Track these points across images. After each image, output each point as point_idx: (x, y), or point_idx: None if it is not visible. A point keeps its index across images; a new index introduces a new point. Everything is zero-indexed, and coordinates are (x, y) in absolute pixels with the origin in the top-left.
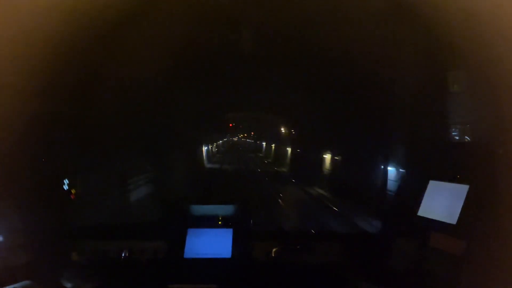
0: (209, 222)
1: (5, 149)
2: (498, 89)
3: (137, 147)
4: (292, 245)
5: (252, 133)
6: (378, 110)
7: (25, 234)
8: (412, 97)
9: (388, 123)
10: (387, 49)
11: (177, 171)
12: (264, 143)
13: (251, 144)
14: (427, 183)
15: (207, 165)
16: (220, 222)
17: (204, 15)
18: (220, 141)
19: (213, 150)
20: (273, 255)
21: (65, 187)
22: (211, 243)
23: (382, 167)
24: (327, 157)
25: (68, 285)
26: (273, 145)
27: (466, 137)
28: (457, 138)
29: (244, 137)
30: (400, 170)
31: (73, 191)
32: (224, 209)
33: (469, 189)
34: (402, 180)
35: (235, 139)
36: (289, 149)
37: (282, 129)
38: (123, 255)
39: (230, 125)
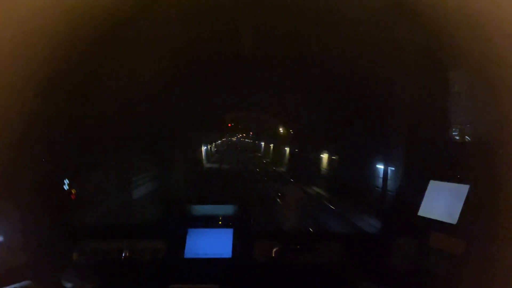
0: (210, 222)
1: (5, 149)
2: (498, 89)
3: (137, 147)
4: (293, 245)
5: (251, 133)
6: (378, 110)
7: (25, 234)
8: (412, 97)
9: (388, 123)
10: (387, 49)
11: (177, 171)
12: (262, 143)
13: (249, 144)
14: (427, 183)
15: (206, 165)
16: (220, 222)
17: (203, 16)
18: (219, 141)
19: (212, 150)
20: (273, 255)
21: (66, 187)
22: (211, 243)
23: (380, 166)
24: (325, 157)
25: (69, 285)
26: (271, 145)
27: (466, 137)
28: (457, 138)
29: (243, 137)
30: (400, 170)
31: (73, 191)
32: (224, 209)
33: (470, 189)
34: (402, 180)
35: (234, 139)
36: (287, 149)
37: (281, 129)
38: (123, 255)
39: (229, 125)
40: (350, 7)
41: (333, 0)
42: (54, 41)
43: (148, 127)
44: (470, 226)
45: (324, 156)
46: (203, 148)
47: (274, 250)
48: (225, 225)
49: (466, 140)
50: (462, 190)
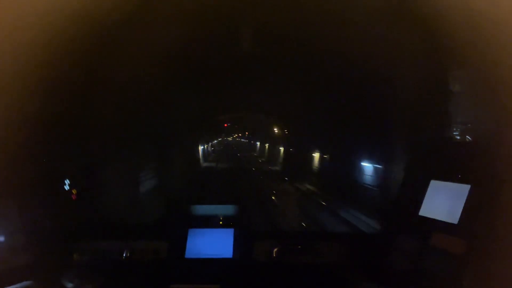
0: (210, 222)
1: (6, 149)
2: (499, 89)
3: (136, 147)
4: (293, 245)
5: (247, 133)
6: (376, 110)
7: (26, 234)
8: (411, 97)
9: (385, 123)
10: (386, 50)
11: (175, 170)
12: (258, 143)
13: (245, 144)
14: (424, 182)
15: (203, 164)
16: (221, 222)
17: (200, 17)
18: (215, 141)
19: (209, 149)
20: (274, 255)
21: (66, 187)
22: (212, 243)
23: (372, 165)
24: (319, 156)
25: (69, 285)
26: (267, 145)
27: (467, 136)
28: (458, 137)
29: (239, 137)
30: (395, 169)
31: (74, 191)
32: (224, 209)
33: (470, 188)
34: (403, 180)
35: (230, 139)
36: (282, 149)
37: (276, 129)
38: (124, 255)
39: (225, 125)
40: (349, 7)
41: (332, 0)
42: (54, 41)
43: (147, 127)
44: (471, 226)
45: (317, 155)
46: (200, 148)
47: (275, 250)
48: (226, 225)
49: (467, 139)
50: (463, 189)
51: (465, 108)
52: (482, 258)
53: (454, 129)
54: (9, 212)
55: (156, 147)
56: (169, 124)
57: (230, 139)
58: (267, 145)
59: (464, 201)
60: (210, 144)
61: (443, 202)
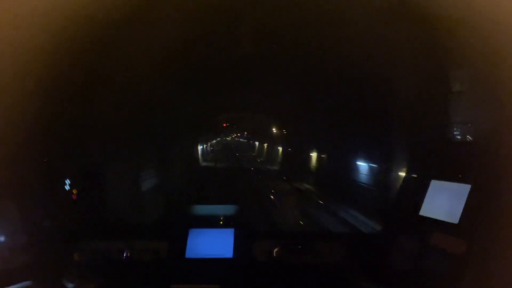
0: (211, 222)
1: (6, 149)
2: (499, 89)
3: (137, 147)
4: (294, 245)
5: (245, 133)
6: (377, 110)
7: (27, 234)
8: (412, 96)
9: (387, 123)
10: (386, 49)
11: (175, 170)
12: (256, 143)
13: (244, 144)
14: (428, 182)
15: (202, 164)
16: (221, 222)
17: (199, 17)
18: (214, 141)
19: (208, 149)
20: (274, 255)
21: (66, 187)
22: (212, 243)
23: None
24: (317, 156)
25: (70, 285)
26: (265, 145)
27: (467, 136)
28: (458, 137)
29: (237, 136)
30: (398, 169)
31: (74, 191)
32: (224, 209)
33: (471, 188)
34: (403, 180)
35: (229, 138)
36: (280, 149)
37: (274, 129)
38: (124, 255)
39: (224, 125)
40: (348, 7)
41: (332, 0)
42: (54, 41)
43: (147, 127)
44: (471, 226)
45: (316, 155)
46: (199, 148)
47: (275, 250)
48: (226, 225)
49: (468, 139)
50: (463, 189)
51: (465, 108)
52: (482, 258)
53: (454, 129)
54: (9, 212)
55: (156, 147)
56: (169, 124)
57: (228, 139)
58: (265, 145)
59: (464, 201)
60: (209, 144)
61: (443, 202)
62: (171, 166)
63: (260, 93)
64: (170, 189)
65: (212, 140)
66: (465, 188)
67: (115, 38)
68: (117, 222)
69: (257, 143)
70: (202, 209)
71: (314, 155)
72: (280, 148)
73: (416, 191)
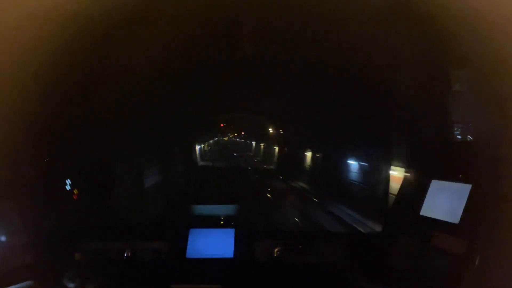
0: (211, 222)
1: (7, 150)
2: (499, 89)
3: (136, 147)
4: (294, 245)
5: (242, 133)
6: (377, 110)
7: (27, 234)
8: (412, 96)
9: (387, 123)
10: (386, 50)
11: (175, 170)
12: (253, 143)
13: (241, 144)
14: (428, 182)
15: (200, 163)
16: (222, 222)
17: (197, 18)
18: (211, 141)
19: (205, 149)
20: (275, 255)
21: (67, 187)
22: (213, 243)
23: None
24: (317, 156)
25: (70, 285)
26: (262, 145)
27: (468, 136)
28: (459, 137)
29: (234, 136)
30: (398, 169)
31: (75, 191)
32: (225, 209)
33: (472, 188)
34: (403, 180)
35: (226, 138)
36: (277, 148)
37: (271, 129)
38: (125, 255)
39: (221, 125)
40: (348, 7)
41: (331, 0)
42: (54, 42)
43: (147, 128)
44: (472, 226)
45: (314, 155)
46: (198, 148)
47: (276, 250)
48: (227, 225)
49: (469, 139)
50: (464, 189)
51: (465, 108)
52: (482, 258)
53: (454, 129)
54: (10, 212)
55: (155, 147)
56: (169, 124)
57: (226, 139)
58: (262, 145)
59: (465, 201)
60: (206, 144)
61: (444, 201)
62: (171, 166)
63: (257, 93)
64: (170, 189)
65: (210, 140)
66: (466, 188)
67: (114, 38)
68: (117, 222)
69: (254, 143)
70: (202, 209)
71: (309, 154)
72: (276, 148)
73: (416, 191)
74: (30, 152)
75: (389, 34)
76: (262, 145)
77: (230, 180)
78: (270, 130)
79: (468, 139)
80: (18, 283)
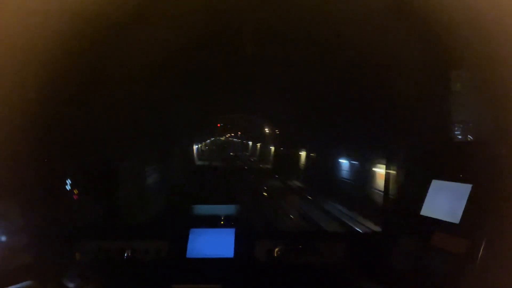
0: (211, 222)
1: (8, 150)
2: (499, 89)
3: (137, 148)
4: (295, 245)
5: (239, 133)
6: (377, 110)
7: (28, 234)
8: (411, 96)
9: (387, 123)
10: (386, 50)
11: (175, 170)
12: (250, 143)
13: (238, 144)
14: (428, 182)
15: (198, 163)
16: (222, 222)
17: (195, 19)
18: (209, 141)
19: (203, 149)
20: (275, 255)
21: (68, 187)
22: (213, 243)
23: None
24: (306, 155)
25: (71, 285)
26: (258, 144)
27: (469, 136)
28: (459, 137)
29: (231, 136)
30: (398, 169)
31: (75, 191)
32: (225, 209)
33: (472, 188)
34: (403, 180)
35: (223, 138)
36: (273, 148)
37: (267, 129)
38: (125, 255)
39: (218, 125)
40: (347, 7)
41: (331, 0)
42: (55, 43)
43: (147, 128)
44: (472, 226)
45: (311, 155)
46: (197, 148)
47: (276, 250)
48: (227, 225)
49: (469, 139)
50: (465, 189)
51: (465, 108)
52: (482, 258)
53: (455, 129)
54: (11, 212)
55: (155, 148)
56: (168, 125)
57: (222, 139)
58: (258, 144)
59: (465, 200)
60: (204, 143)
61: (444, 201)
62: (171, 166)
63: (253, 94)
64: (170, 188)
65: (207, 140)
66: (466, 188)
67: (114, 38)
68: (117, 222)
69: (250, 143)
70: (202, 209)
71: (305, 154)
72: (272, 148)
73: (416, 190)
74: (30, 153)
75: (388, 34)
76: (258, 145)
77: (227, 179)
78: (266, 130)
79: (468, 139)
80: (18, 283)
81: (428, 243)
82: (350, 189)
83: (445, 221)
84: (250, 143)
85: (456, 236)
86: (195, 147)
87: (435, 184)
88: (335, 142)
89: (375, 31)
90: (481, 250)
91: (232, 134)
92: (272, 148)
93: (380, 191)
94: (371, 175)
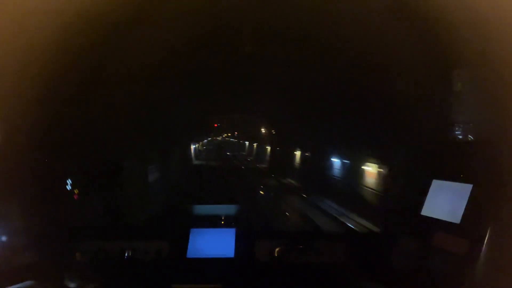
0: (212, 222)
1: (8, 151)
2: (499, 89)
3: (137, 148)
4: (295, 245)
5: (236, 133)
6: (377, 110)
7: (29, 234)
8: (412, 96)
9: (388, 123)
10: (386, 50)
11: (175, 170)
12: (246, 143)
13: (234, 143)
14: (429, 182)
15: (195, 162)
16: (222, 222)
17: (193, 19)
18: (205, 140)
19: (200, 149)
20: (276, 255)
21: (68, 187)
22: (213, 243)
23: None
24: (301, 154)
25: (71, 285)
26: (255, 144)
27: (469, 136)
28: (459, 137)
29: (228, 136)
30: (398, 169)
31: (76, 191)
32: (225, 209)
33: (473, 188)
34: (403, 180)
35: (219, 138)
36: (269, 148)
37: (263, 129)
38: (126, 255)
39: (215, 125)
40: (348, 7)
41: (331, 0)
42: (55, 43)
43: (147, 129)
44: (473, 225)
45: (308, 155)
46: (197, 148)
47: (277, 250)
48: (228, 224)
49: (470, 139)
50: (465, 189)
51: (466, 107)
52: (483, 257)
53: (456, 129)
54: (12, 212)
55: (155, 147)
56: (168, 125)
57: (219, 138)
58: (255, 144)
59: (466, 200)
60: (201, 143)
61: (445, 201)
62: (171, 166)
63: (250, 95)
64: (169, 188)
65: (204, 140)
66: (467, 188)
67: (114, 38)
68: (118, 222)
69: (247, 143)
70: (203, 209)
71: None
72: (268, 148)
73: (416, 190)
74: (31, 153)
75: (388, 34)
76: (255, 145)
77: (225, 179)
78: (263, 130)
79: (469, 139)
80: (19, 282)
81: (428, 243)
82: (350, 189)
83: (445, 221)
84: (247, 143)
85: (456, 236)
86: (192, 147)
87: (436, 184)
88: (334, 142)
89: (375, 31)
90: (481, 250)
91: (229, 134)
92: (269, 148)
93: (380, 191)
94: (371, 175)
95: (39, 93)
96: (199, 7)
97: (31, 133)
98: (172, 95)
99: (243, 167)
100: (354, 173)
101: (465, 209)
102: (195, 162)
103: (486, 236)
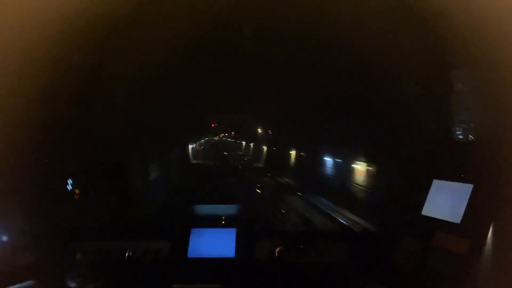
0: (212, 221)
1: (9, 151)
2: (500, 89)
3: (137, 148)
4: (296, 245)
5: (233, 133)
6: (378, 110)
7: (29, 234)
8: (412, 96)
9: (388, 122)
10: (387, 50)
11: (175, 170)
12: (243, 142)
13: (232, 143)
14: (429, 182)
15: (193, 162)
16: (223, 222)
17: (191, 19)
18: (203, 140)
19: (198, 148)
20: (276, 255)
21: (69, 187)
22: (214, 243)
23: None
24: (298, 154)
25: (72, 285)
26: (251, 144)
27: (470, 136)
28: (461, 137)
29: (225, 136)
30: (398, 169)
31: (76, 191)
32: (226, 209)
33: (473, 188)
34: (403, 180)
35: (217, 138)
36: (265, 148)
37: (260, 129)
38: (126, 255)
39: (212, 125)
40: (348, 7)
41: (331, 0)
42: (55, 43)
43: (147, 129)
44: (474, 225)
45: (295, 153)
46: (190, 147)
47: (277, 250)
48: (228, 224)
49: (470, 139)
50: (466, 189)
51: (466, 107)
52: (483, 258)
53: (456, 129)
54: (12, 212)
55: (155, 148)
56: (169, 124)
57: (216, 138)
58: (251, 144)
59: (467, 200)
60: (198, 143)
61: (445, 201)
62: (171, 166)
63: (247, 95)
64: (168, 187)
65: (201, 140)
66: (467, 188)
67: (114, 38)
68: (118, 222)
69: (243, 142)
70: (203, 209)
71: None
72: (265, 147)
73: (417, 190)
74: (31, 153)
75: (388, 34)
76: (251, 144)
77: (222, 178)
78: (259, 130)
79: (470, 139)
80: (19, 282)
81: (428, 243)
82: (350, 189)
83: (446, 221)
84: (244, 143)
85: (457, 236)
86: (190, 147)
87: (436, 184)
88: (331, 142)
89: (375, 31)
90: (482, 250)
91: (226, 134)
92: (265, 148)
93: (380, 191)
94: (371, 175)
95: (39, 93)
96: (199, 7)
97: (31, 133)
98: (172, 95)
99: (240, 167)
100: (352, 172)
101: (466, 209)
102: (193, 161)
103: (486, 236)
